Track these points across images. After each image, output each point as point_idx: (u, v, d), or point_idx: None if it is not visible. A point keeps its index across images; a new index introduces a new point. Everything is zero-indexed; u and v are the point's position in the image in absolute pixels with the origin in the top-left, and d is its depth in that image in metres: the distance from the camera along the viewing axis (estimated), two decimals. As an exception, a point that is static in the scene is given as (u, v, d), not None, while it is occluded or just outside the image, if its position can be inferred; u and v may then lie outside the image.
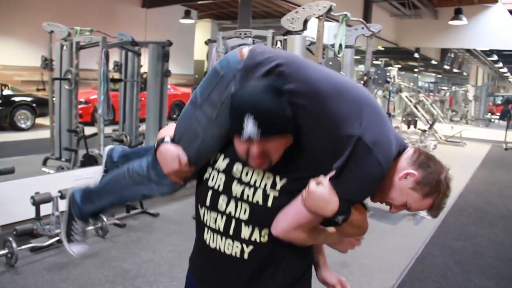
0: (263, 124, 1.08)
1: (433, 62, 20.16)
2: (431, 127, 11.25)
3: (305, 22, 4.02)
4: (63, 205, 3.61)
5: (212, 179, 1.28)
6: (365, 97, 1.19)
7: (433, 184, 1.19)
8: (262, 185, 1.22)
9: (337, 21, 4.33)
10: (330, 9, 3.89)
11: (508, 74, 29.55)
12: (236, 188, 1.24)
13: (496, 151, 11.28)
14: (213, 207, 1.27)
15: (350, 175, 1.13)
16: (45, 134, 6.18)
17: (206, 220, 1.29)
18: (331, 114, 1.14)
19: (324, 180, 1.14)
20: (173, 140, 1.29)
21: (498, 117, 20.16)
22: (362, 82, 5.31)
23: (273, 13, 11.50)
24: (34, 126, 8.78)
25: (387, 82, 5.73)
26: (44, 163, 5.65)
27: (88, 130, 5.50)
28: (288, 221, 1.18)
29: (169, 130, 1.34)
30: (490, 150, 11.34)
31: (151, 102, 5.87)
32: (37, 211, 3.63)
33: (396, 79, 10.87)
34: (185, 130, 1.28)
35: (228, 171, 1.26)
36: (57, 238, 3.64)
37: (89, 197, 1.57)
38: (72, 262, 3.42)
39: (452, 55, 20.71)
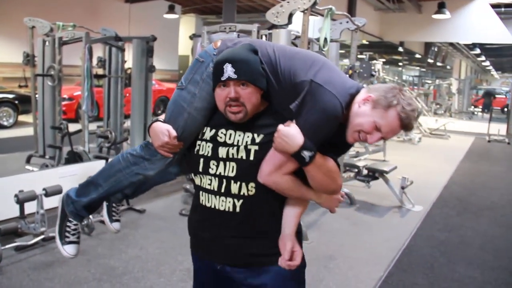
0: (240, 68, 1.32)
1: (417, 56, 20.34)
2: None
3: (290, 16, 4.01)
4: (47, 203, 3.58)
5: (202, 149, 1.46)
6: (317, 56, 1.42)
7: (389, 96, 1.31)
8: (243, 143, 1.41)
9: (322, 15, 4.32)
10: (315, 3, 3.88)
11: (491, 67, 29.97)
12: (222, 151, 1.43)
13: (479, 143, 11.43)
14: (206, 171, 1.45)
15: (308, 110, 1.31)
16: (28, 131, 6.10)
17: (203, 183, 1.48)
18: (288, 69, 1.37)
19: (291, 122, 1.34)
20: (163, 121, 1.48)
21: (480, 110, 20.42)
22: (348, 75, 5.32)
23: (257, 7, 11.46)
24: (16, 124, 8.66)
25: (372, 75, 5.75)
26: (28, 161, 5.57)
27: (73, 127, 5.43)
28: (268, 164, 1.37)
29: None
30: (474, 143, 11.49)
31: (136, 98, 5.83)
32: (21, 209, 3.57)
33: (381, 72, 10.95)
34: (173, 109, 1.47)
35: (213, 138, 1.45)
36: (42, 237, 3.59)
37: (84, 190, 1.63)
38: (58, 261, 3.38)
39: (436, 49, 20.92)
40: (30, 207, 3.61)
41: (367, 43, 14.97)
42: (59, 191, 3.59)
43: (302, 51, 1.47)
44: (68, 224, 1.68)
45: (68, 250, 1.67)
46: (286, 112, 1.38)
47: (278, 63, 1.39)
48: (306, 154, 1.31)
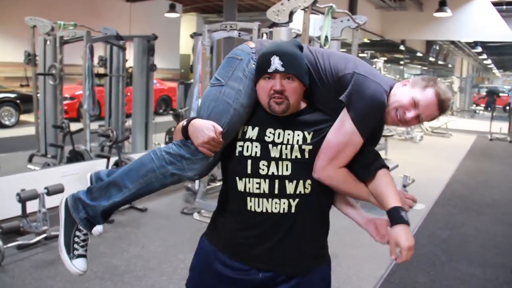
0: (288, 62, 1.32)
1: (419, 54, 20.29)
2: (417, 118, 11.33)
3: (291, 14, 4.01)
4: (49, 201, 3.59)
5: (247, 150, 1.41)
6: (347, 54, 1.49)
7: (426, 78, 1.39)
8: (295, 142, 1.39)
9: (323, 13, 4.32)
10: (315, 1, 3.88)
11: (492, 65, 29.91)
12: (274, 150, 1.39)
13: (481, 142, 11.41)
14: (255, 173, 1.40)
15: (357, 100, 1.33)
16: (30, 130, 6.10)
17: (249, 189, 1.41)
18: (329, 67, 1.39)
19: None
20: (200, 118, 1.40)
21: (483, 108, 20.37)
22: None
23: (259, 6, 11.43)
24: (18, 123, 8.64)
25: (374, 74, 5.74)
26: (30, 160, 5.59)
27: (74, 126, 5.44)
28: (322, 158, 1.37)
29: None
30: (475, 141, 11.46)
31: (137, 97, 5.84)
32: (23, 208, 3.58)
33: (382, 71, 10.92)
34: (214, 106, 1.39)
35: (261, 138, 1.40)
36: (44, 235, 3.60)
37: (101, 193, 1.43)
38: (59, 259, 3.37)
39: (437, 47, 20.88)
40: (32, 206, 3.62)
41: (368, 41, 14.94)
42: (61, 190, 3.60)
43: (333, 51, 1.50)
44: (78, 234, 1.44)
45: (79, 265, 1.44)
46: (328, 109, 1.42)
47: (318, 62, 1.41)
48: (404, 214, 1.37)
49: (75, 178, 4.35)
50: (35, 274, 3.20)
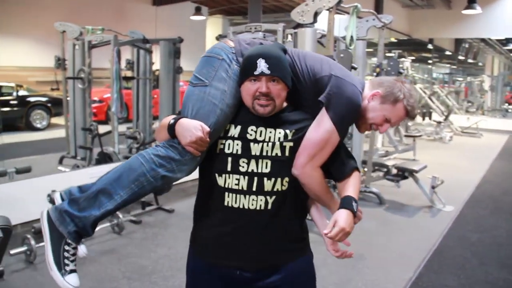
0: (274, 65, 1.35)
1: (447, 53, 19.88)
2: (446, 118, 11.12)
3: (315, 14, 3.99)
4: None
5: (229, 147, 1.44)
6: (321, 55, 1.53)
7: (395, 91, 1.44)
8: (277, 139, 1.42)
9: (348, 13, 4.28)
10: (340, 1, 3.85)
11: (525, 63, 29.02)
12: (255, 147, 1.42)
13: (514, 142, 11.10)
14: (235, 170, 1.43)
15: (335, 102, 1.39)
16: (61, 133, 6.24)
17: (228, 184, 1.43)
18: (306, 68, 1.45)
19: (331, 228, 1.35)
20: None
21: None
22: (375, 74, 5.26)
23: (283, 7, 11.42)
24: (49, 126, 8.87)
25: (400, 73, 5.65)
26: (60, 161, 5.72)
27: (103, 129, 5.54)
28: (303, 156, 1.41)
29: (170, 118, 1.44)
30: (508, 141, 11.17)
31: (164, 99, 5.90)
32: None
33: (410, 70, 10.75)
34: (200, 106, 1.40)
35: (243, 135, 1.43)
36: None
37: (90, 203, 1.36)
38: (89, 259, 3.45)
39: (467, 45, 20.41)
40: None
41: (395, 41, 14.74)
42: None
43: (307, 52, 1.55)
44: (67, 248, 1.36)
45: (72, 281, 1.36)
46: (307, 108, 1.47)
47: (295, 63, 1.46)
48: (355, 205, 1.40)
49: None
50: (65, 274, 3.27)
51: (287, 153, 1.42)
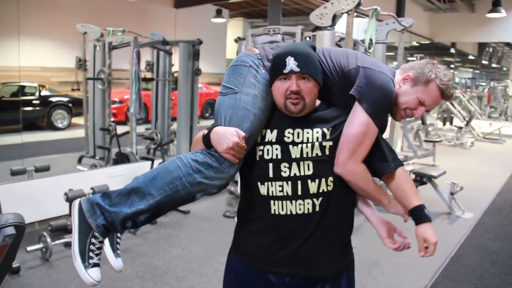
0: (303, 62, 1.34)
1: (470, 57, 19.57)
2: (468, 124, 10.92)
3: (334, 17, 3.96)
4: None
5: (268, 153, 1.42)
6: (349, 49, 1.53)
7: (426, 71, 1.41)
8: (315, 139, 1.40)
9: (367, 16, 4.25)
10: (359, 4, 3.82)
11: (551, 68, 28.36)
12: (294, 150, 1.40)
13: (538, 149, 10.83)
14: (278, 176, 1.41)
15: (367, 92, 1.36)
16: (81, 133, 6.33)
17: (272, 192, 1.41)
18: (333, 64, 1.42)
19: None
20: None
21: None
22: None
23: (304, 10, 11.39)
24: (70, 126, 9.01)
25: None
26: (79, 161, 5.80)
27: (123, 129, 5.61)
28: (343, 153, 1.39)
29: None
30: (531, 147, 10.91)
31: (182, 101, 5.94)
32: (71, 207, 3.71)
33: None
34: (232, 113, 1.38)
35: (280, 139, 1.41)
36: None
37: (122, 199, 1.35)
38: (103, 258, 3.48)
39: (491, 50, 20.05)
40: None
41: (417, 44, 14.56)
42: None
43: (331, 48, 1.54)
44: (93, 241, 1.36)
45: (94, 275, 1.37)
46: (340, 105, 1.45)
47: (321, 60, 1.43)
48: (427, 212, 1.44)
49: (121, 179, 4.47)
50: (81, 272, 3.30)
51: (327, 152, 1.41)
